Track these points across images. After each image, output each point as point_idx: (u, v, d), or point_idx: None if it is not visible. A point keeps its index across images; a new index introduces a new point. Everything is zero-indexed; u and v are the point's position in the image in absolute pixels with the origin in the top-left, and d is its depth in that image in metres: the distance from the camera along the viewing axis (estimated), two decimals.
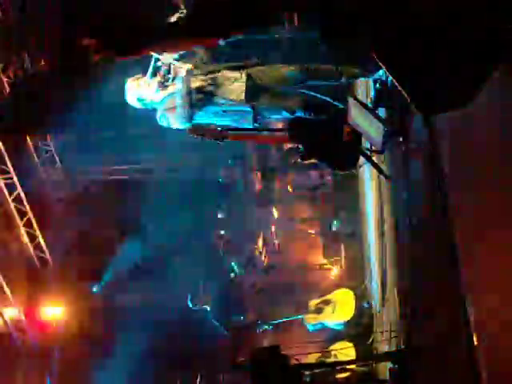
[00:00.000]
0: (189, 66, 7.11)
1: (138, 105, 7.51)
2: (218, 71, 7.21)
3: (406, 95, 2.99)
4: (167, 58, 7.14)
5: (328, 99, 7.08)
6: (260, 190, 17.30)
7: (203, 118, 7.10)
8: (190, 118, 7.00)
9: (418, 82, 2.95)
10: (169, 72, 7.26)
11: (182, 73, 7.09)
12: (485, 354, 3.63)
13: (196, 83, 7.07)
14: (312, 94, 7.16)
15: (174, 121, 7.07)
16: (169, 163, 18.78)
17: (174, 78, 7.31)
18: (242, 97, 7.03)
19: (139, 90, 7.34)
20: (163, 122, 7.27)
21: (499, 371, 3.41)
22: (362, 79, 7.51)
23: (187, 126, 6.85)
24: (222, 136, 6.42)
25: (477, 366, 3.72)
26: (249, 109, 7.06)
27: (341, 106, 6.89)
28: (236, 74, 7.10)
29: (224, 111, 7.14)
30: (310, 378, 6.81)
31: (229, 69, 7.21)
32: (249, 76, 7.08)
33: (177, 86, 7.21)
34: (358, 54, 5.91)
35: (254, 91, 7.08)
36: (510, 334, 3.15)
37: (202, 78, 7.12)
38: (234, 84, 7.07)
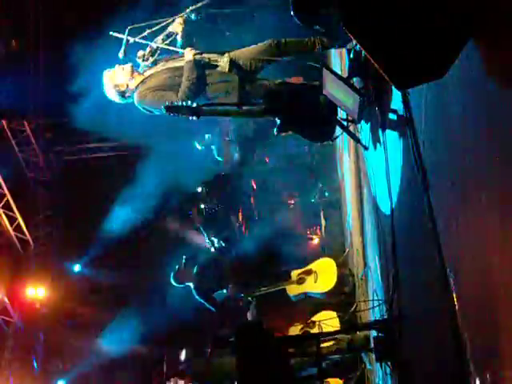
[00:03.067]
0: (193, 52, 7.02)
1: (117, 98, 7.41)
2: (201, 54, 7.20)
3: (378, 67, 2.98)
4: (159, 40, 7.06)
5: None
6: (238, 161, 17.29)
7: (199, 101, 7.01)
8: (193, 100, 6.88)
9: (391, 54, 2.94)
10: (152, 55, 7.17)
11: (188, 56, 6.98)
12: (465, 318, 3.67)
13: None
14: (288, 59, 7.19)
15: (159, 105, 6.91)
16: (145, 138, 18.79)
17: (155, 62, 7.23)
18: (227, 67, 7.02)
19: (115, 78, 7.24)
20: (145, 105, 7.18)
21: (480, 335, 3.44)
22: (336, 49, 7.52)
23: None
24: (199, 112, 6.37)
25: (458, 330, 3.76)
26: (236, 78, 7.04)
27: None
28: (218, 57, 7.11)
29: (214, 97, 7.09)
30: (295, 349, 6.86)
31: (210, 53, 7.20)
32: (230, 58, 7.09)
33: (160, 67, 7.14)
34: (330, 25, 5.89)
35: (236, 66, 7.08)
36: (488, 300, 3.18)
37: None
38: (218, 61, 7.07)
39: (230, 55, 7.10)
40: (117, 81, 7.22)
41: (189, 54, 6.94)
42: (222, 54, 7.16)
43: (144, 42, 7.07)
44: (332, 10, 4.54)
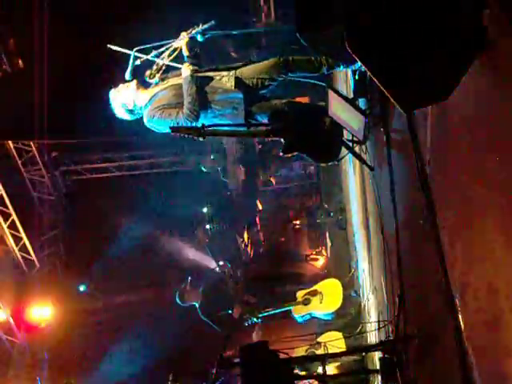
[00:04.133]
0: (191, 67, 7.00)
1: (126, 116, 7.38)
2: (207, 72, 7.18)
3: (383, 90, 2.99)
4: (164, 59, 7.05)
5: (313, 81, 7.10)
6: (243, 182, 17.33)
7: (202, 120, 7.00)
8: (197, 119, 6.90)
9: (396, 76, 2.95)
10: (158, 71, 7.15)
11: (185, 72, 6.97)
12: (471, 340, 3.66)
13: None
14: (296, 79, 7.18)
15: (170, 123, 6.91)
16: (150, 157, 18.86)
17: (162, 79, 7.21)
18: (232, 86, 7.01)
19: (121, 96, 7.22)
20: (153, 123, 7.15)
21: (486, 356, 3.43)
22: (341, 69, 7.52)
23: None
24: (203, 133, 6.38)
25: (465, 351, 3.75)
26: (240, 95, 7.02)
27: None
28: (223, 73, 7.10)
29: (221, 114, 7.07)
30: (300, 371, 6.83)
31: (215, 70, 7.19)
32: (235, 75, 7.09)
33: (164, 84, 7.14)
34: (335, 45, 5.90)
35: (241, 82, 7.07)
36: (494, 320, 3.17)
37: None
38: (223, 78, 7.06)
39: (236, 72, 7.10)
40: (123, 99, 7.20)
41: (186, 69, 6.94)
42: (228, 70, 7.15)
43: (150, 58, 7.05)
44: (337, 31, 4.56)
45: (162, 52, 7.06)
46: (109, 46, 7.15)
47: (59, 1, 13.58)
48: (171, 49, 7.04)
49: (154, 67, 7.16)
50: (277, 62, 7.08)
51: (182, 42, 6.98)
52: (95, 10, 13.64)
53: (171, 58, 7.08)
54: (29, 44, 14.11)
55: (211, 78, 7.09)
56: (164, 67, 7.18)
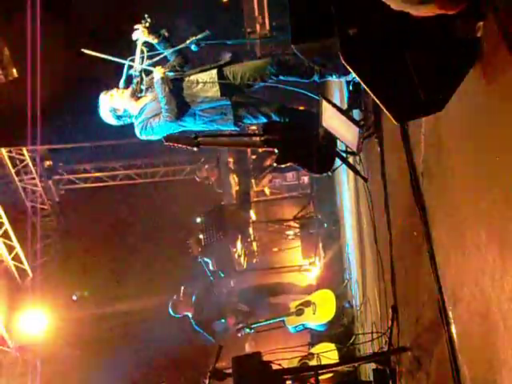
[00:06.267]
0: (163, 70, 6.99)
1: (112, 120, 7.38)
2: (190, 76, 7.15)
3: (377, 100, 2.99)
4: (139, 65, 7.03)
5: (305, 92, 7.07)
6: (237, 192, 17.31)
7: (191, 125, 7.02)
8: (178, 121, 6.91)
9: (389, 88, 2.95)
10: (141, 82, 7.14)
11: (156, 76, 6.97)
12: (464, 351, 3.66)
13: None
14: (287, 87, 7.15)
15: (158, 129, 6.96)
16: (143, 167, 18.88)
17: (147, 89, 7.20)
18: (218, 93, 7.00)
19: (113, 102, 7.21)
20: (145, 134, 7.16)
21: (479, 368, 3.43)
22: (334, 79, 7.52)
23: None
24: (197, 143, 6.38)
25: (457, 361, 3.75)
26: (227, 102, 7.00)
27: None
28: (207, 75, 7.08)
29: (211, 120, 7.07)
30: (293, 382, 6.80)
31: (201, 71, 7.16)
32: (220, 73, 7.07)
33: (152, 94, 7.12)
34: (330, 56, 5.90)
35: (227, 86, 7.06)
36: (487, 332, 3.17)
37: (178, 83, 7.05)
38: (207, 85, 7.03)
39: (224, 69, 7.07)
40: (114, 104, 7.19)
41: (157, 73, 6.93)
42: (213, 68, 7.12)
43: (145, 66, 7.03)
44: (332, 43, 4.57)
45: (133, 59, 7.05)
46: (83, 50, 7.11)
47: (52, 10, 13.62)
48: (139, 53, 7.02)
49: (135, 81, 7.16)
50: (269, 62, 7.07)
51: (139, 34, 6.95)
52: (88, 18, 13.68)
53: (145, 60, 7.06)
54: (22, 53, 14.14)
55: (195, 86, 7.06)
56: (143, 74, 7.16)
